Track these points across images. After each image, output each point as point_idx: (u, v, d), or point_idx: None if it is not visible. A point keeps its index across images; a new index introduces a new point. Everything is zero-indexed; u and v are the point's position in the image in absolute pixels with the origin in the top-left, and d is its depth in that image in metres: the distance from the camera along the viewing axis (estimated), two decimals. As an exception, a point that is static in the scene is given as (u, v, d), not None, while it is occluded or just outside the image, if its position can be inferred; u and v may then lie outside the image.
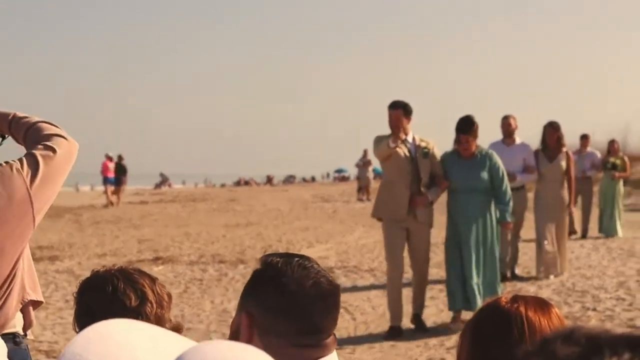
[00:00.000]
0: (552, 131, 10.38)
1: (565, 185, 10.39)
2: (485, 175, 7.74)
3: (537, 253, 10.39)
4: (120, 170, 28.37)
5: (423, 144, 7.79)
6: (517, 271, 10.56)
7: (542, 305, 1.84)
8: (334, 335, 1.86)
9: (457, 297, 7.69)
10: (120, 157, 28.75)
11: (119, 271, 2.15)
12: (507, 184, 7.86)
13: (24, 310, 2.92)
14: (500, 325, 1.78)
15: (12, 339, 2.80)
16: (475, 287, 7.60)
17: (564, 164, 10.34)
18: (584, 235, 14.91)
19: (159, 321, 2.05)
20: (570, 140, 18.67)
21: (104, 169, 28.37)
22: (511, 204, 7.90)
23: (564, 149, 10.43)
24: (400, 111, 7.73)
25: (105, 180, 28.55)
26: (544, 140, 10.45)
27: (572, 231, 14.42)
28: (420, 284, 7.94)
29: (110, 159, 28.51)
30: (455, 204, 7.83)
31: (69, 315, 8.40)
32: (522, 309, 1.80)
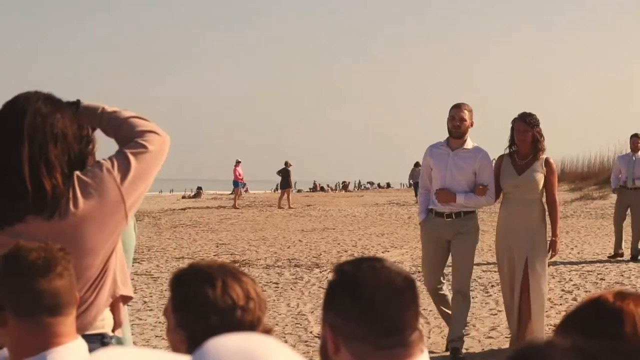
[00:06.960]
0: (523, 127, 6.79)
1: (545, 208, 6.91)
2: None
3: (505, 308, 7.05)
4: (286, 175, 30.61)
5: None
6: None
7: None
8: (420, 331, 1.86)
9: None
10: (287, 163, 31.04)
11: (223, 266, 2.05)
12: None
13: (114, 308, 2.92)
14: (613, 324, 1.62)
15: (100, 340, 2.76)
16: None
17: (540, 177, 6.80)
18: (634, 257, 12.38)
19: (259, 323, 2.00)
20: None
21: (235, 174, 31.58)
22: None
23: (542, 155, 6.84)
24: None
25: (235, 184, 31.83)
26: (512, 142, 6.93)
27: (617, 254, 12.52)
28: None
29: (239, 163, 31.76)
30: None
31: (147, 316, 8.60)
32: (632, 306, 1.65)
